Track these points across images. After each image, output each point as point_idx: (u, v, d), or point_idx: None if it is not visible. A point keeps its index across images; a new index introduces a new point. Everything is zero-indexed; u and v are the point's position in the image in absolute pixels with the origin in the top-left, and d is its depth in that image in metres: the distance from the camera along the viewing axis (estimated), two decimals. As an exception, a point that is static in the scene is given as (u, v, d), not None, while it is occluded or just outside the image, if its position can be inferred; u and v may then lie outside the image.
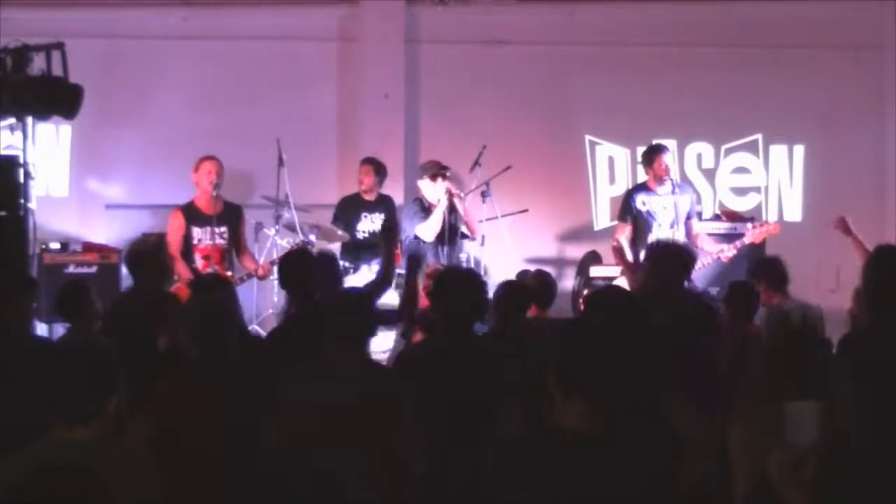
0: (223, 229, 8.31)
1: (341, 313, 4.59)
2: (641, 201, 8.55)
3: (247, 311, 7.64)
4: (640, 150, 10.47)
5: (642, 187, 8.72)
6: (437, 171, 8.90)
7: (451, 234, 8.83)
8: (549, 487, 3.03)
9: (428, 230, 8.76)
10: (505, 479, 3.09)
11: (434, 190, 8.83)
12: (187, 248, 8.25)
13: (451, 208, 8.82)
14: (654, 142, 9.02)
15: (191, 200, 8.44)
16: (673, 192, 8.49)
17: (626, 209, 8.63)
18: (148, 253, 6.37)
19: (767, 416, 3.52)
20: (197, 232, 8.29)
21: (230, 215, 8.38)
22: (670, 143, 9.94)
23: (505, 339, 5.50)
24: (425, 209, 8.88)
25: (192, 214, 8.31)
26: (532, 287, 6.54)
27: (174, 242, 8.20)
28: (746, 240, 8.58)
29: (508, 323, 5.78)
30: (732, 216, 9.62)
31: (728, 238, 8.92)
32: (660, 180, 8.50)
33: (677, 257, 6.02)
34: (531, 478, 3.05)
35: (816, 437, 2.93)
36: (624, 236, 8.55)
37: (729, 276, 7.96)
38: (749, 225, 8.85)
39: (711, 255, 8.44)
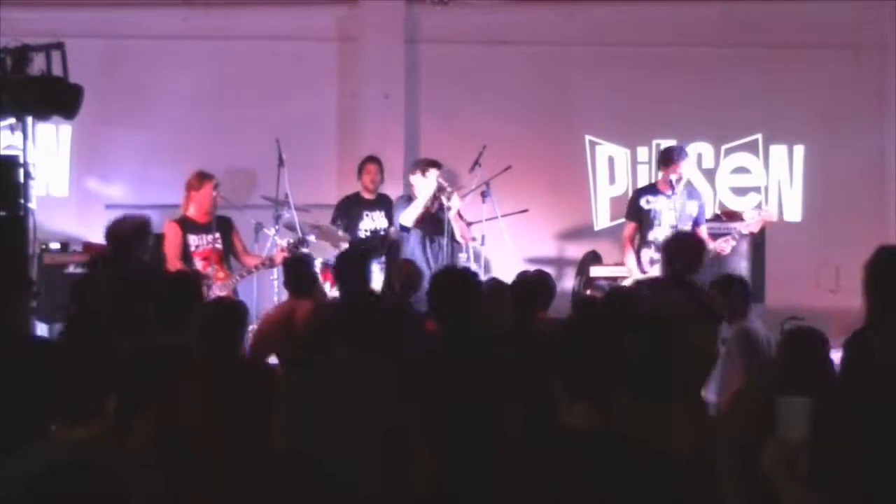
0: (217, 235, 8.37)
1: (350, 314, 4.60)
2: (646, 200, 8.56)
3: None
4: (641, 150, 10.52)
5: (650, 188, 8.73)
6: (427, 164, 8.97)
7: (434, 226, 8.85)
8: (552, 486, 3.03)
9: (408, 215, 8.83)
10: (508, 477, 3.09)
11: (424, 183, 8.90)
12: (186, 254, 8.29)
13: (441, 205, 8.86)
14: (659, 146, 9.00)
15: (183, 215, 8.45)
16: (678, 195, 8.47)
17: (632, 208, 8.67)
18: (131, 230, 6.76)
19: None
20: (193, 239, 8.34)
21: (222, 225, 8.44)
22: (670, 143, 9.95)
23: (509, 338, 5.49)
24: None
25: (187, 225, 8.37)
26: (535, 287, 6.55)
27: (173, 249, 8.24)
28: (743, 229, 8.57)
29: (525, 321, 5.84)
30: (732, 216, 9.62)
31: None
32: (670, 184, 8.46)
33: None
34: (535, 476, 3.05)
35: (807, 432, 2.95)
36: (628, 236, 8.60)
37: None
38: (745, 215, 8.84)
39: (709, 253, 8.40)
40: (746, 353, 6.24)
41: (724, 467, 3.86)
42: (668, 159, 8.63)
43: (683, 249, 6.77)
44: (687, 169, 8.60)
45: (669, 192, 8.47)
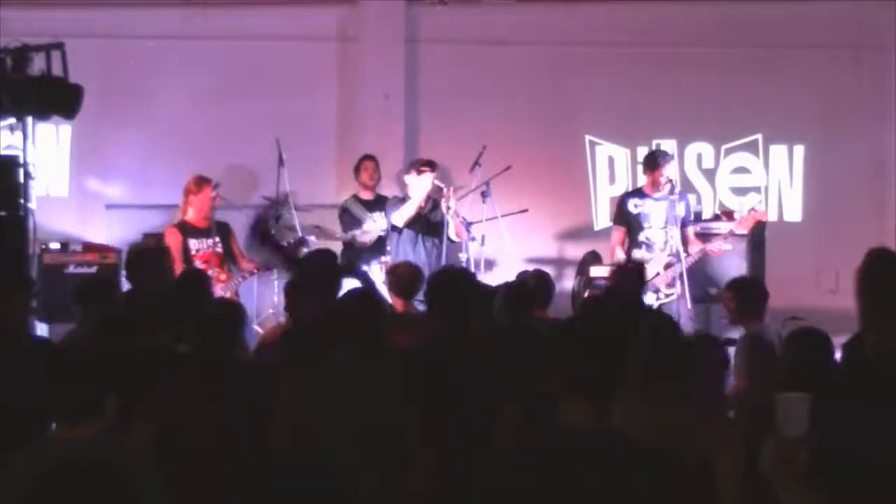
0: (217, 239, 8.41)
1: (350, 313, 4.60)
2: (633, 204, 8.60)
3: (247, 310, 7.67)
4: (641, 150, 10.50)
5: (637, 192, 8.77)
6: (423, 164, 8.96)
7: (427, 226, 8.85)
8: (551, 486, 3.03)
9: (400, 215, 8.83)
10: (508, 477, 3.09)
11: (418, 183, 8.90)
12: (186, 258, 8.32)
13: (435, 204, 8.86)
14: (659, 146, 8.99)
15: (182, 220, 8.50)
16: (670, 194, 8.46)
17: (620, 213, 8.72)
18: (148, 252, 6.55)
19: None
20: (193, 243, 8.42)
21: (221, 230, 8.50)
22: (670, 143, 9.97)
23: (508, 338, 5.49)
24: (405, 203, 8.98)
25: (186, 230, 8.44)
26: (531, 287, 6.55)
27: (174, 254, 8.26)
28: (735, 229, 8.56)
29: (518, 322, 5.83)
30: (731, 216, 9.62)
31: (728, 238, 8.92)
32: (657, 187, 8.49)
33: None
34: (533, 476, 3.05)
35: (806, 428, 2.95)
36: (618, 241, 8.62)
37: (726, 276, 7.93)
38: (736, 216, 8.86)
39: (694, 255, 8.39)
40: (751, 355, 6.23)
41: (724, 467, 3.86)
42: (652, 163, 8.65)
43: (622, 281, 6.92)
44: (671, 171, 8.61)
45: (656, 195, 8.49)
